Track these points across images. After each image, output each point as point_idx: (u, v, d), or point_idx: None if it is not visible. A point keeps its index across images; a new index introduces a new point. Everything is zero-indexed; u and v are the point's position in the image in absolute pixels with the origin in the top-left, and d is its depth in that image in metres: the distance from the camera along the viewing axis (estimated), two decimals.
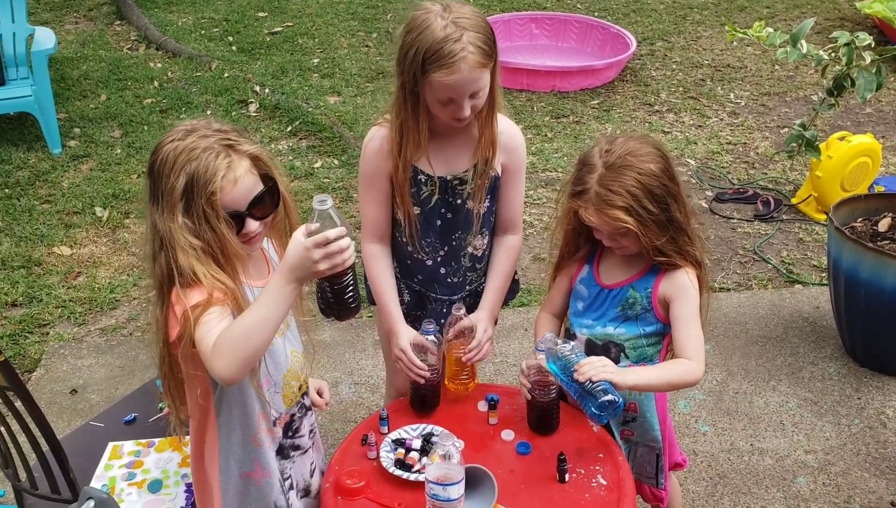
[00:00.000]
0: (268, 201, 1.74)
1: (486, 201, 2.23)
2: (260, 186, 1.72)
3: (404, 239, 2.25)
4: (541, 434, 2.05)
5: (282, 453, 1.91)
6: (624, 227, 1.90)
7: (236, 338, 1.59)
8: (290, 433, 1.91)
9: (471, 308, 2.33)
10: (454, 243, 2.26)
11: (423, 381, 2.15)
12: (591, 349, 2.07)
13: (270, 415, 1.85)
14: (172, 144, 1.67)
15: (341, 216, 1.60)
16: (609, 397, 1.82)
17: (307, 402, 1.97)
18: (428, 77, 1.97)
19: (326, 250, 1.57)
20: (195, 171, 1.63)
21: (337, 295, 1.65)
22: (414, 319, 2.37)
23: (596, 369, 1.85)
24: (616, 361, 2.04)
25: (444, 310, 2.32)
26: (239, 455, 1.84)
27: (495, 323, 2.34)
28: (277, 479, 1.88)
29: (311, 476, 2.01)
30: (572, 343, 1.97)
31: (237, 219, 1.69)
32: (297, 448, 1.94)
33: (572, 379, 1.87)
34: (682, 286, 1.98)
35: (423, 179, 2.17)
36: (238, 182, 1.67)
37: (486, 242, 2.29)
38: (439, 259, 2.27)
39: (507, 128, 2.20)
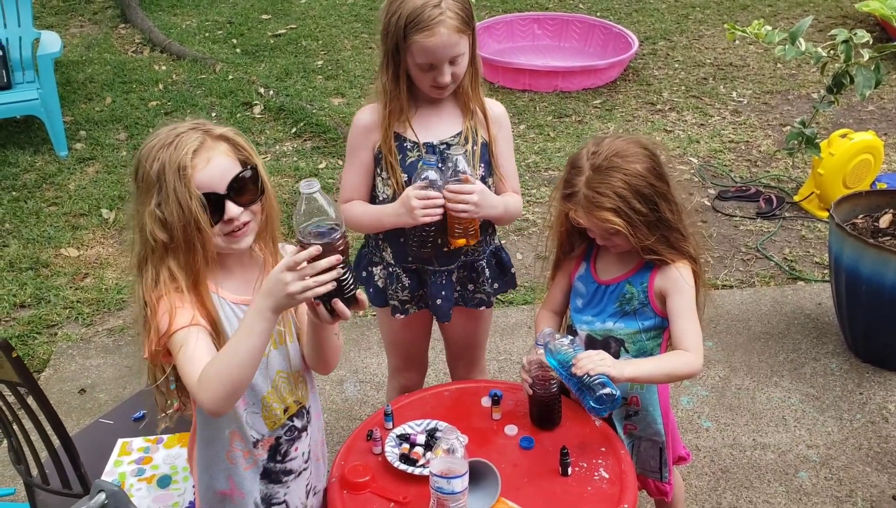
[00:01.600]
0: (250, 186, 1.69)
1: (481, 168, 2.26)
2: (236, 169, 1.68)
3: None
4: (543, 429, 2.07)
5: (269, 477, 1.86)
6: (613, 228, 1.92)
7: (217, 374, 1.57)
8: (277, 458, 1.86)
9: (464, 279, 2.38)
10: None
11: (437, 218, 2.16)
12: (592, 344, 2.10)
13: (249, 436, 1.80)
14: (150, 141, 1.68)
15: (330, 201, 1.55)
16: (607, 390, 1.84)
17: (300, 424, 1.88)
18: (409, 41, 2.08)
19: (300, 273, 1.52)
20: (168, 154, 1.62)
21: (336, 290, 1.58)
22: (418, 299, 2.39)
23: (594, 362, 1.87)
24: (616, 356, 2.07)
25: (443, 281, 2.34)
26: (213, 469, 1.83)
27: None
28: (253, 501, 1.85)
29: (308, 497, 1.97)
30: (570, 338, 1.99)
31: (216, 202, 1.65)
32: (288, 472, 1.88)
33: (571, 373, 1.90)
34: (675, 281, 2.01)
35: (408, 146, 2.22)
36: (211, 161, 1.65)
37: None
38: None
39: (490, 103, 2.31)
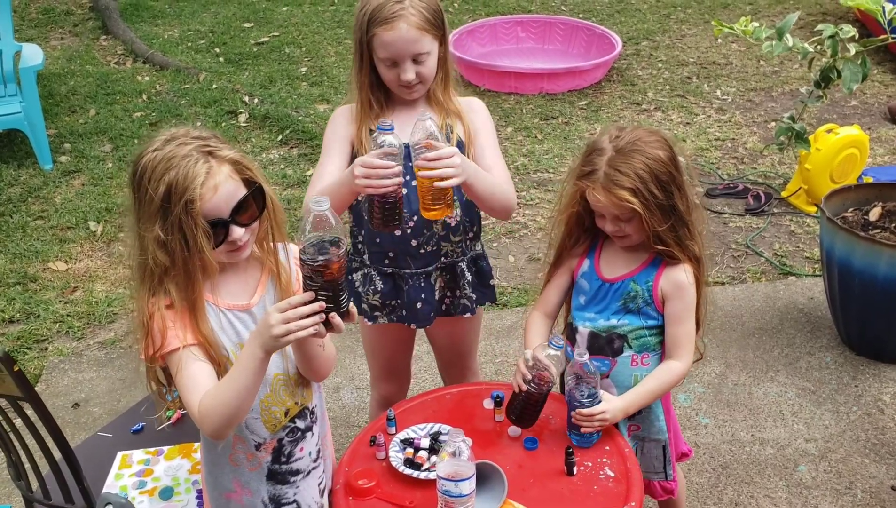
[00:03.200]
0: (252, 206, 1.71)
1: None
2: (242, 192, 1.69)
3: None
4: (519, 426, 2.05)
5: (276, 478, 1.87)
6: (629, 208, 1.94)
7: (215, 408, 1.62)
8: (282, 459, 1.86)
9: (448, 283, 2.36)
10: None
11: (387, 189, 1.96)
12: (595, 340, 2.10)
13: (250, 440, 1.82)
14: (151, 154, 1.65)
15: (337, 218, 1.56)
16: (589, 432, 2.00)
17: (303, 425, 1.89)
18: (371, 34, 2.11)
19: (284, 316, 1.54)
20: (174, 179, 1.61)
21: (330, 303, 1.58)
22: (391, 309, 2.36)
23: (592, 425, 1.97)
24: (620, 351, 2.08)
25: (422, 284, 2.31)
26: (217, 471, 1.85)
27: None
28: (261, 501, 1.86)
29: (322, 495, 1.97)
30: (597, 376, 1.99)
31: (221, 227, 1.66)
32: (295, 472, 1.89)
33: (571, 405, 1.98)
34: (680, 285, 2.03)
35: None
36: (219, 189, 1.64)
37: (459, 211, 2.28)
38: (409, 230, 2.25)
39: (467, 100, 2.32)
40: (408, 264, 2.31)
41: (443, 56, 2.21)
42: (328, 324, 1.60)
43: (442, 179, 1.97)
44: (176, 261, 1.65)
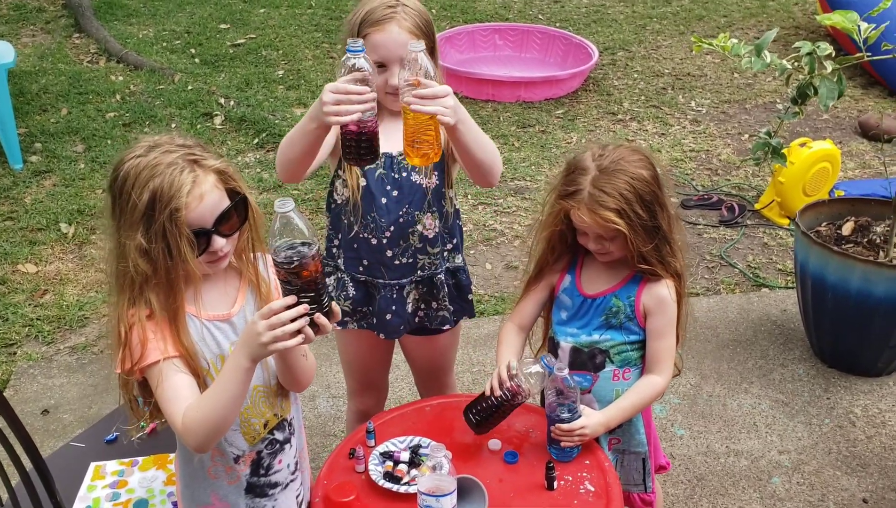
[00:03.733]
0: (235, 216, 1.69)
1: (435, 176, 2.23)
2: (225, 202, 1.67)
3: (351, 218, 2.24)
4: (475, 429, 2.03)
5: (254, 491, 1.85)
6: (614, 229, 1.94)
7: (199, 421, 1.61)
8: (260, 472, 1.85)
9: (424, 295, 2.33)
10: (401, 219, 2.22)
11: (360, 117, 1.82)
12: (577, 356, 2.10)
13: (228, 452, 1.79)
14: (135, 160, 1.62)
15: (304, 219, 1.54)
16: (568, 447, 2.01)
17: (282, 437, 1.87)
18: (361, 35, 2.11)
19: (269, 322, 1.53)
20: (159, 187, 1.58)
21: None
22: (361, 316, 2.33)
23: (573, 441, 1.98)
24: (602, 366, 2.08)
25: (394, 296, 2.29)
26: (195, 486, 1.82)
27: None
28: None
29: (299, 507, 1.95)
30: (577, 391, 1.99)
31: (203, 237, 1.65)
32: (274, 485, 1.87)
33: (551, 420, 1.98)
34: (662, 300, 2.04)
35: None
36: (204, 198, 1.62)
37: (437, 223, 2.27)
38: (385, 240, 2.24)
39: None
40: (382, 274, 2.28)
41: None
42: (314, 325, 1.58)
43: (432, 114, 1.83)
44: (158, 270, 1.62)
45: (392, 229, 2.23)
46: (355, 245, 2.27)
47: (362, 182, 2.21)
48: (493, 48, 6.59)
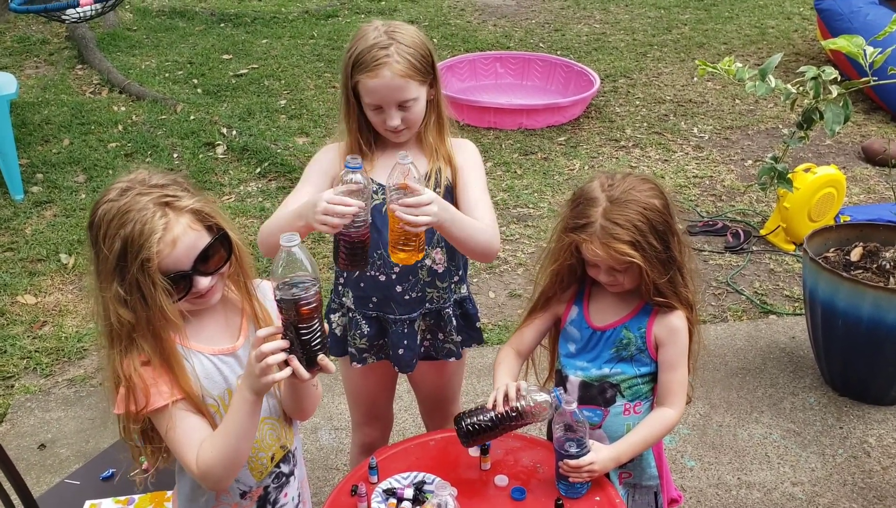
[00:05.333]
0: (219, 252, 1.64)
1: None
2: (205, 240, 1.61)
3: None
4: (464, 440, 1.96)
5: None
6: (628, 262, 1.88)
7: (214, 460, 1.59)
8: (267, 507, 1.83)
9: (432, 328, 2.30)
10: None
11: (344, 227, 1.87)
12: (587, 390, 2.04)
13: (235, 490, 1.76)
14: (107, 205, 1.56)
15: (309, 255, 1.52)
16: (577, 483, 1.93)
17: (287, 469, 1.85)
18: (355, 80, 2.08)
19: (257, 352, 1.52)
20: (129, 235, 1.52)
21: (298, 341, 1.55)
22: (378, 349, 2.32)
23: (581, 476, 1.91)
24: (612, 401, 2.03)
25: (405, 330, 2.26)
26: None
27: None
28: None
29: None
30: (586, 426, 1.92)
31: (184, 280, 1.59)
32: None
33: (559, 455, 1.91)
34: (674, 331, 1.98)
35: (373, 188, 2.15)
36: (177, 243, 1.56)
37: (444, 257, 2.24)
38: (394, 276, 2.21)
39: (459, 142, 2.26)
40: (392, 310, 2.26)
41: (434, 99, 2.17)
42: (314, 363, 1.57)
43: (413, 225, 1.87)
44: (139, 318, 1.57)
45: (400, 264, 2.19)
46: (361, 284, 2.24)
47: (368, 219, 2.16)
48: (495, 76, 6.60)
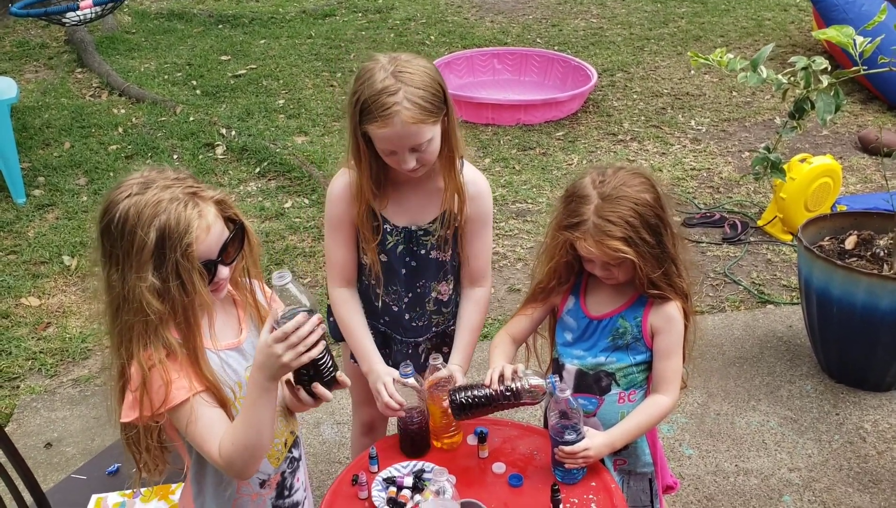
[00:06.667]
0: (236, 245, 1.69)
1: (450, 252, 2.23)
2: (226, 231, 1.67)
3: (372, 282, 2.25)
4: (455, 413, 1.99)
5: None
6: (622, 257, 1.91)
7: (239, 447, 1.61)
8: (285, 493, 1.86)
9: (437, 345, 2.36)
10: (419, 289, 2.26)
11: (404, 414, 2.08)
12: (582, 379, 2.07)
13: (255, 479, 1.79)
14: (130, 199, 1.58)
15: (303, 289, 1.60)
16: (573, 469, 1.97)
17: (297, 454, 1.90)
18: (364, 127, 1.98)
19: (288, 342, 1.56)
20: (166, 223, 1.55)
21: (316, 374, 1.66)
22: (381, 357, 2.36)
23: (576, 462, 1.94)
24: (608, 389, 2.06)
25: (409, 351, 2.33)
26: None
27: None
28: None
29: None
30: (580, 413, 1.96)
31: (210, 267, 1.63)
32: (295, 505, 1.89)
33: (555, 442, 1.94)
34: (670, 319, 2.00)
35: (388, 229, 2.16)
36: (210, 229, 1.62)
37: (451, 287, 2.29)
38: (404, 306, 2.27)
39: (471, 177, 2.18)
40: (399, 332, 2.32)
41: (447, 129, 2.05)
42: (312, 394, 1.67)
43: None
44: (176, 307, 1.60)
45: (409, 296, 2.26)
46: (377, 303, 2.29)
47: (383, 258, 2.20)
48: (493, 72, 6.62)
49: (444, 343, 2.36)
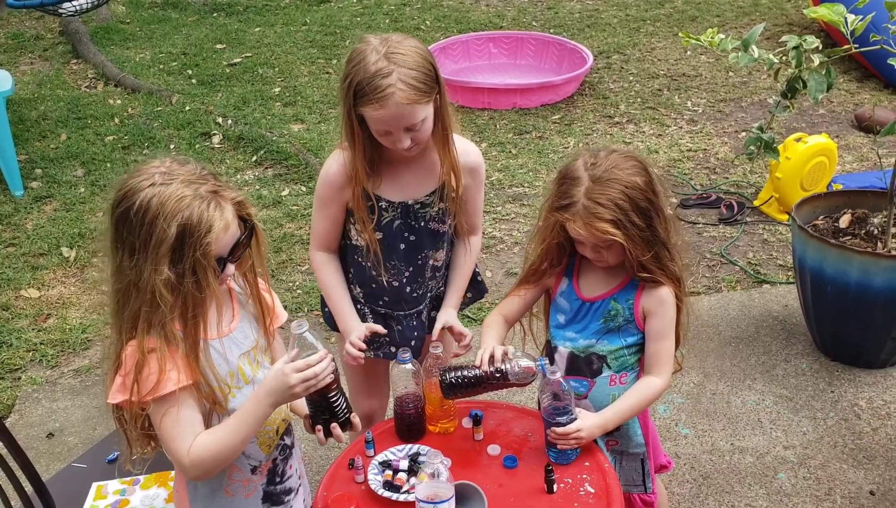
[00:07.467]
0: (244, 243, 1.72)
1: (448, 221, 2.27)
2: (238, 230, 1.69)
3: (368, 263, 2.27)
4: (445, 393, 2.02)
5: (271, 500, 1.88)
6: (611, 239, 1.92)
7: (216, 452, 1.67)
8: (277, 480, 1.88)
9: (437, 306, 2.38)
10: (419, 261, 2.28)
11: (363, 362, 2.18)
12: (574, 361, 2.09)
13: (246, 465, 1.81)
14: (152, 189, 1.58)
15: (318, 337, 1.71)
16: (566, 449, 2.00)
17: (289, 441, 1.92)
18: (359, 110, 2.01)
19: (303, 375, 1.67)
20: (188, 220, 1.57)
21: (330, 409, 1.78)
22: (378, 345, 2.39)
23: (569, 443, 1.96)
24: (599, 372, 2.08)
25: (414, 323, 2.35)
26: (209, 506, 1.82)
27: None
28: None
29: None
30: (572, 395, 1.97)
31: (220, 264, 1.66)
32: (287, 491, 1.91)
33: (547, 423, 1.96)
34: (662, 302, 2.01)
35: (383, 206, 2.18)
36: (229, 230, 1.65)
37: (445, 252, 2.33)
38: (405, 279, 2.29)
39: (465, 149, 2.22)
40: (401, 308, 2.34)
41: (439, 108, 2.09)
42: (328, 433, 1.81)
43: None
44: (187, 302, 1.62)
45: (410, 269, 2.28)
46: (374, 285, 2.31)
47: (379, 235, 2.22)
48: (488, 56, 6.61)
49: (440, 305, 2.39)
